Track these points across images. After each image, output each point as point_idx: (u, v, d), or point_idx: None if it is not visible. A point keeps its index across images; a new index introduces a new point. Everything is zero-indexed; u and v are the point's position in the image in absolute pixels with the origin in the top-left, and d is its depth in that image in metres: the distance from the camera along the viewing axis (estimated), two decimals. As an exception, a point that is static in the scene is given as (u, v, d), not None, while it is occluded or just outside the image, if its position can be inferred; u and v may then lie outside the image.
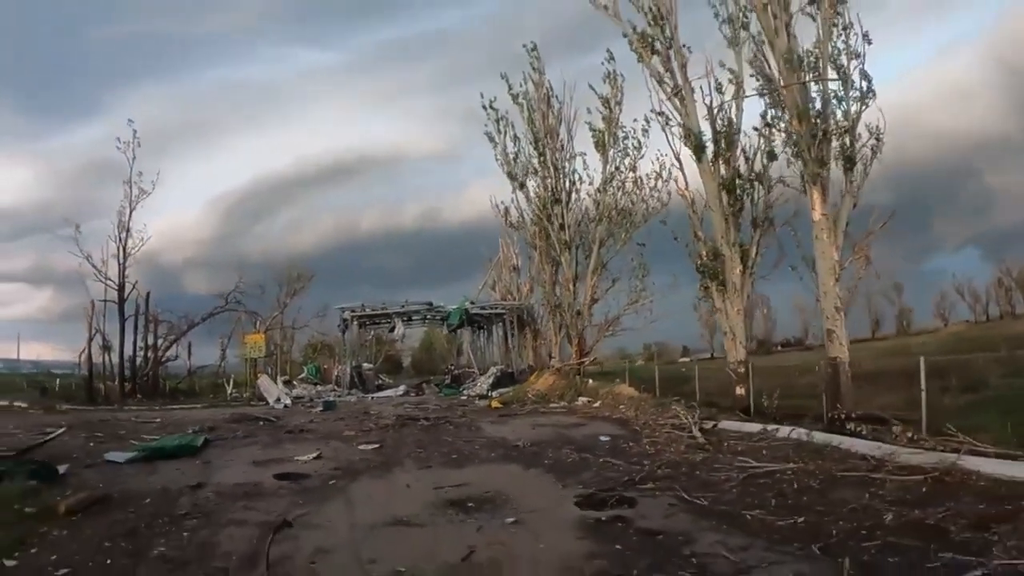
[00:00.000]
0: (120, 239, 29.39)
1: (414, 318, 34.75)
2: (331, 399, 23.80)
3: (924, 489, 6.68)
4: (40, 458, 9.48)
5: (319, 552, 5.55)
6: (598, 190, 25.41)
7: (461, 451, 11.17)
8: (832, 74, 13.58)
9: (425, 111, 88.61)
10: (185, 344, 34.04)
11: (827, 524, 5.78)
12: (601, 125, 24.84)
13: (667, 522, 6.21)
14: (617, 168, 24.94)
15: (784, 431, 10.52)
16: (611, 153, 24.92)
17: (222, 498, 7.58)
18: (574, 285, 25.25)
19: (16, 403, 21.37)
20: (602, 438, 12.04)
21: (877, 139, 13.10)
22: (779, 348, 66.69)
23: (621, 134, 24.26)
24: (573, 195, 26.60)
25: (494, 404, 20.83)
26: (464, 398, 25.11)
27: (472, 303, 32.83)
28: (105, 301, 28.99)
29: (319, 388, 29.10)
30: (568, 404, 19.39)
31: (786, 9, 13.37)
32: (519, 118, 27.28)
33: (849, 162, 13.12)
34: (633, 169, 24.51)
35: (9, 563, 5.35)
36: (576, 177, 26.44)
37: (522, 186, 26.72)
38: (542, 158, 26.86)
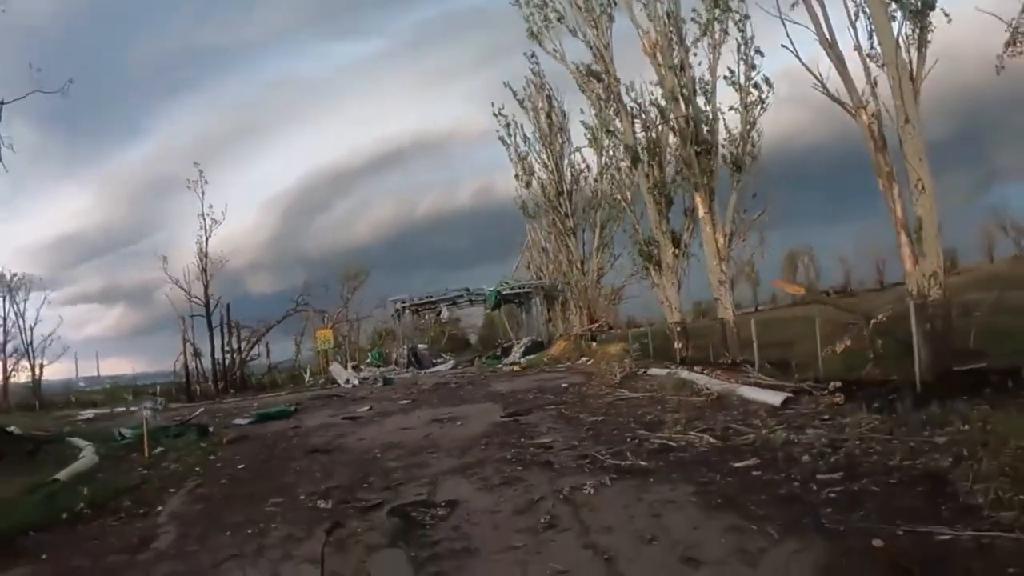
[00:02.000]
0: (201, 263, 36.66)
1: (458, 302, 41.32)
2: (390, 377, 30.46)
3: (699, 405, 12.25)
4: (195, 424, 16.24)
5: (359, 439, 11.96)
6: (595, 179, 31.21)
7: (462, 399, 17.57)
8: (729, 89, 18.94)
9: (470, 88, 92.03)
10: (264, 344, 41.37)
11: (614, 419, 11.78)
12: (593, 122, 30.23)
13: (535, 420, 12.41)
14: (611, 158, 30.34)
15: (677, 372, 16.30)
16: (606, 143, 30.28)
17: (310, 430, 14.14)
18: (582, 264, 31.25)
19: (132, 407, 28.37)
20: (563, 384, 18.21)
21: (753, 146, 18.53)
22: (829, 294, 70.03)
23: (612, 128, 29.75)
24: (578, 183, 32.51)
25: (516, 369, 27.17)
26: (500, 366, 31.39)
27: (506, 283, 39.19)
28: (192, 316, 36.35)
29: (382, 369, 35.82)
30: (571, 364, 25.51)
31: (670, 54, 18.90)
32: (527, 120, 33.30)
33: (736, 166, 18.68)
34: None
35: (212, 459, 11.83)
36: (576, 170, 32.32)
37: (528, 184, 32.77)
38: (549, 153, 32.79)
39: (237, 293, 38.49)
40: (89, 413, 27.07)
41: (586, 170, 32.17)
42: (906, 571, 4.33)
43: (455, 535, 5.92)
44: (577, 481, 7.23)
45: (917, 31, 12.07)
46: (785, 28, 16.17)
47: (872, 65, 12.48)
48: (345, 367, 35.14)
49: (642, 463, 7.86)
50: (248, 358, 40.06)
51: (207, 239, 36.67)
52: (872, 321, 11.77)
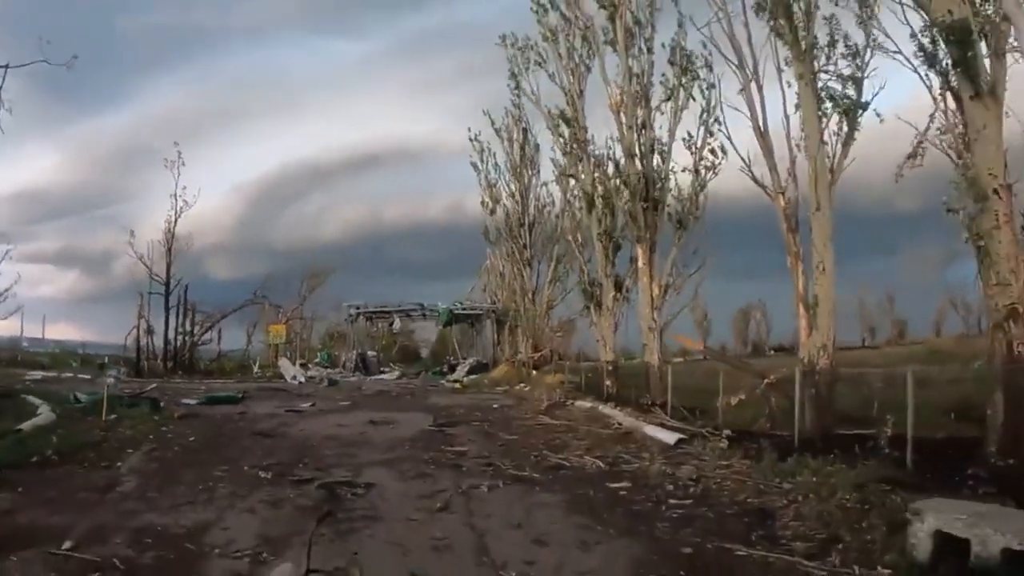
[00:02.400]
0: (167, 243, 37.54)
1: (412, 315, 42.81)
2: (336, 379, 31.74)
3: (605, 437, 13.80)
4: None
5: (300, 429, 13.41)
6: (557, 216, 33.00)
7: (400, 407, 19.08)
8: (684, 152, 20.74)
9: (452, 102, 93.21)
10: (216, 330, 42.29)
11: (527, 439, 13.37)
12: (562, 161, 32.01)
13: (459, 432, 13.96)
14: (574, 197, 32.05)
15: (598, 406, 17.89)
16: (570, 184, 31.99)
17: (256, 416, 15.55)
18: (534, 294, 32.98)
19: (82, 375, 29.17)
20: (495, 405, 19.81)
21: (697, 207, 20.33)
22: (771, 352, 72.44)
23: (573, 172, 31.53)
24: (541, 216, 34.28)
25: (458, 386, 28.67)
26: (443, 382, 32.85)
27: (459, 304, 40.83)
28: (151, 293, 37.20)
29: (329, 371, 37.04)
30: (509, 388, 27.08)
31: (634, 112, 20.75)
32: (500, 148, 35.09)
33: (680, 224, 20.49)
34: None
35: (164, 430, 13.18)
36: (541, 203, 34.11)
37: (492, 212, 34.53)
38: (517, 184, 34.57)
39: (195, 274, 39.17)
40: (37, 374, 27.88)
41: (551, 204, 34.02)
42: (694, 566, 5.93)
43: (368, 507, 7.43)
44: (477, 482, 8.79)
45: (845, 127, 14.01)
46: (722, 112, 18.24)
47: (800, 155, 14.38)
48: (294, 364, 36.32)
49: (535, 475, 9.45)
50: (200, 342, 40.97)
51: (176, 220, 37.56)
52: (765, 381, 13.53)
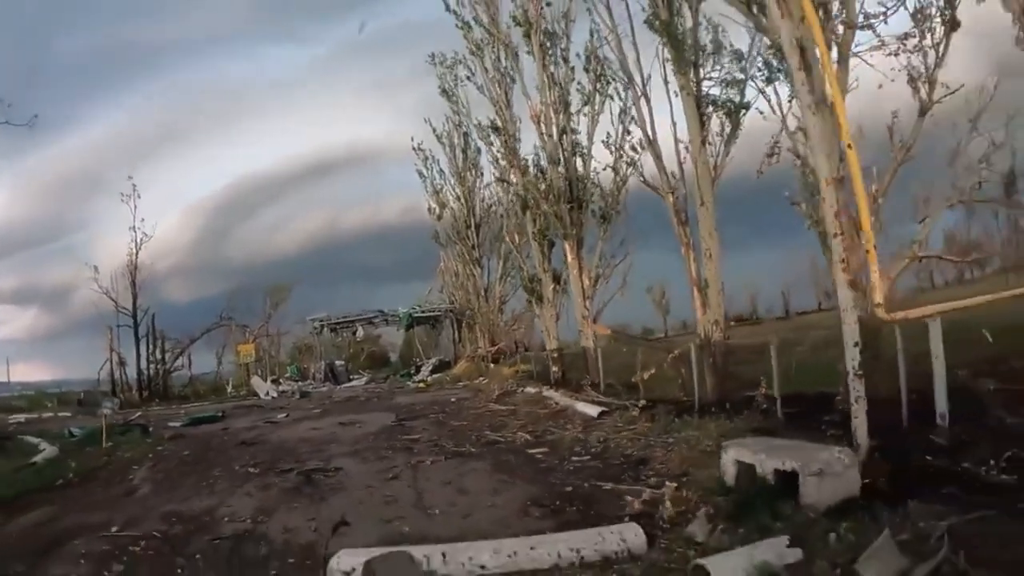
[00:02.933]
0: (131, 275, 39.30)
1: (374, 321, 45.03)
2: (307, 390, 33.88)
3: (542, 415, 16.25)
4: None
5: (278, 436, 15.64)
6: (502, 215, 35.24)
7: (367, 409, 21.32)
8: (605, 151, 23.00)
9: (403, 103, 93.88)
10: (186, 355, 44.11)
11: (473, 424, 15.75)
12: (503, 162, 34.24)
13: (416, 424, 16.28)
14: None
15: (542, 391, 20.27)
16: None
17: (237, 430, 17.71)
18: (486, 292, 35.32)
19: (62, 413, 30.76)
20: (452, 399, 22.13)
21: (618, 202, 22.68)
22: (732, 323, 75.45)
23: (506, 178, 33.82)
24: (488, 216, 36.49)
25: (422, 386, 30.97)
26: (409, 383, 35.13)
27: (417, 307, 43.14)
28: (119, 325, 38.99)
29: (300, 383, 39.14)
30: (469, 382, 29.45)
31: (556, 120, 23.09)
32: (443, 155, 37.31)
33: (604, 219, 22.85)
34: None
35: (160, 449, 15.32)
36: (486, 204, 36.33)
37: (440, 217, 36.81)
38: (462, 188, 36.79)
39: (154, 300, 40.61)
40: (20, 417, 29.51)
41: (496, 203, 36.24)
42: (569, 498, 8.28)
43: (336, 483, 9.72)
44: (423, 458, 11.12)
45: (728, 127, 16.41)
46: (623, 124, 20.62)
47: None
48: (265, 380, 38.34)
49: (472, 450, 11.81)
50: (172, 369, 42.81)
51: (137, 252, 39.28)
52: (670, 356, 15.99)
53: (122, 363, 39.91)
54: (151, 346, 40.75)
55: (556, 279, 24.75)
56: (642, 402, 14.35)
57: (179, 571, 6.31)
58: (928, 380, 7.94)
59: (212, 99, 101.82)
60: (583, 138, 23.06)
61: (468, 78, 29.00)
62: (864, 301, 7.75)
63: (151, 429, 18.76)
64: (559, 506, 7.74)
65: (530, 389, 21.13)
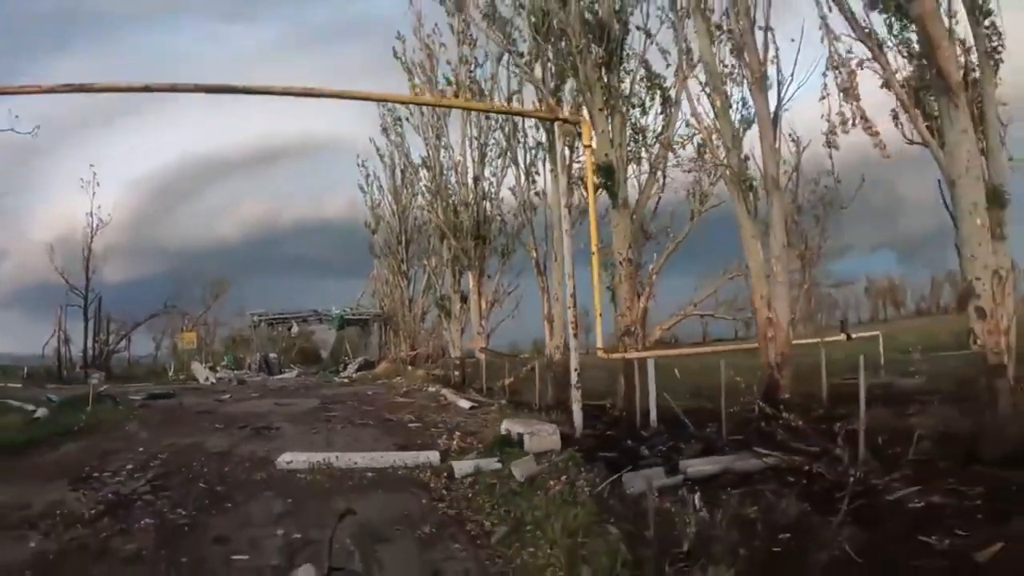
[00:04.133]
0: (85, 259, 43.88)
1: (309, 320, 50.35)
2: (244, 378, 39.03)
3: (432, 407, 21.90)
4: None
5: (227, 410, 21.08)
6: (429, 236, 40.84)
7: (298, 395, 26.76)
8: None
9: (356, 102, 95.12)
10: (128, 338, 48.80)
11: (379, 410, 21.40)
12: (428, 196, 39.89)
13: (337, 408, 21.83)
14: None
15: (440, 390, 25.90)
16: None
17: (192, 404, 23.10)
18: (410, 302, 40.93)
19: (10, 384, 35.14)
20: (369, 392, 27.68)
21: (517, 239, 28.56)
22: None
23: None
24: (419, 233, 41.98)
25: (347, 381, 36.44)
26: (335, 379, 40.47)
27: (349, 310, 48.60)
28: (68, 306, 43.54)
29: (236, 372, 44.15)
30: (388, 380, 34.90)
31: (471, 170, 28.95)
32: (383, 173, 42.70)
33: (503, 255, 28.68)
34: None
35: (136, 414, 20.57)
36: (417, 222, 41.81)
37: (375, 231, 42.34)
38: (396, 206, 42.21)
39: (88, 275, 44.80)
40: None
41: (426, 224, 41.74)
42: (415, 443, 13.97)
43: (277, 434, 15.32)
44: (335, 425, 16.78)
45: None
46: (528, 177, 26.33)
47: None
48: (203, 367, 43.31)
49: (370, 422, 17.48)
50: (115, 350, 47.53)
51: (92, 237, 43.76)
52: (524, 368, 21.86)
53: (67, 341, 44.39)
54: (96, 326, 45.35)
55: (463, 299, 30.51)
56: (503, 400, 20.14)
57: (193, 465, 11.83)
58: (667, 399, 13.72)
59: (159, 74, 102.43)
60: (493, 184, 28.87)
61: (407, 119, 34.60)
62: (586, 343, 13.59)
63: (118, 400, 23.89)
64: (407, 446, 13.44)
65: (431, 388, 26.78)
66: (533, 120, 22.91)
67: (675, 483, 8.25)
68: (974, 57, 9.67)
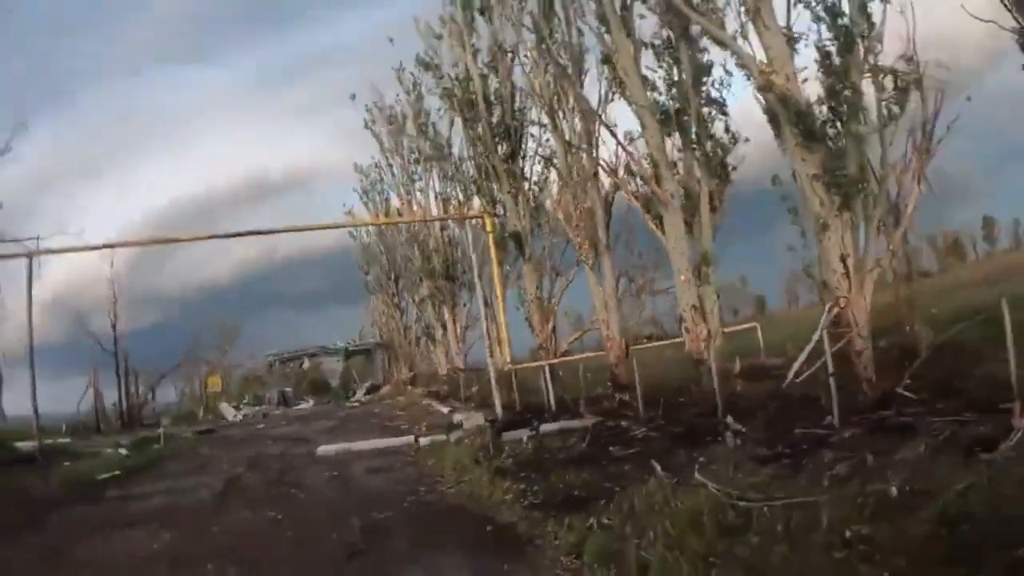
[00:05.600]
0: (112, 321, 52.10)
1: (318, 354, 58.87)
2: (267, 412, 47.41)
3: (420, 414, 30.12)
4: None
5: (269, 434, 29.42)
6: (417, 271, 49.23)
7: (317, 419, 35.07)
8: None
9: (338, 123, 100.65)
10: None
11: (380, 421, 29.68)
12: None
13: (350, 424, 30.14)
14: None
15: (432, 403, 34.11)
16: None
17: (236, 435, 31.47)
18: (405, 330, 49.26)
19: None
20: (375, 411, 35.97)
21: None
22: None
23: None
24: (407, 268, 50.32)
25: (356, 404, 44.80)
26: (347, 404, 48.80)
27: (352, 342, 57.12)
28: (100, 366, 51.72)
29: (257, 408, 52.54)
30: (392, 400, 43.21)
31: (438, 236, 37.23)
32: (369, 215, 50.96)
33: (470, 289, 36.86)
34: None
35: (196, 445, 28.88)
36: (406, 259, 50.13)
37: (367, 272, 50.79)
38: (384, 247, 50.53)
39: (82, 335, 50.15)
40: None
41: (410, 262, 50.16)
42: (399, 433, 22.17)
43: (311, 443, 23.55)
44: (340, 431, 25.05)
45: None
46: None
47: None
48: (229, 407, 51.73)
49: (375, 428, 25.74)
50: (144, 401, 55.94)
51: (115, 305, 51.92)
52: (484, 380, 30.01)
53: (98, 395, 52.54)
54: (125, 380, 53.60)
55: (444, 327, 38.80)
56: (472, 404, 28.31)
57: (263, 461, 20.05)
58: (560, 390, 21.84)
59: (139, 123, 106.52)
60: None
61: (381, 179, 43.02)
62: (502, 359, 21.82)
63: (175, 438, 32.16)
64: (394, 433, 21.62)
65: (424, 402, 35.01)
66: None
67: (530, 435, 16.39)
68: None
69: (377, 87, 39.52)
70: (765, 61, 12.64)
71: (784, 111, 12.19)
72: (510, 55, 24.45)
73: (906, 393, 10.87)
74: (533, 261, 24.69)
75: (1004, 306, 8.89)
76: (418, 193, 38.98)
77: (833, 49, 12.55)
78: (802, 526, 6.49)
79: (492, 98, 24.74)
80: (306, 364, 59.39)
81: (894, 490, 6.66)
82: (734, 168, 17.09)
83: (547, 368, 21.57)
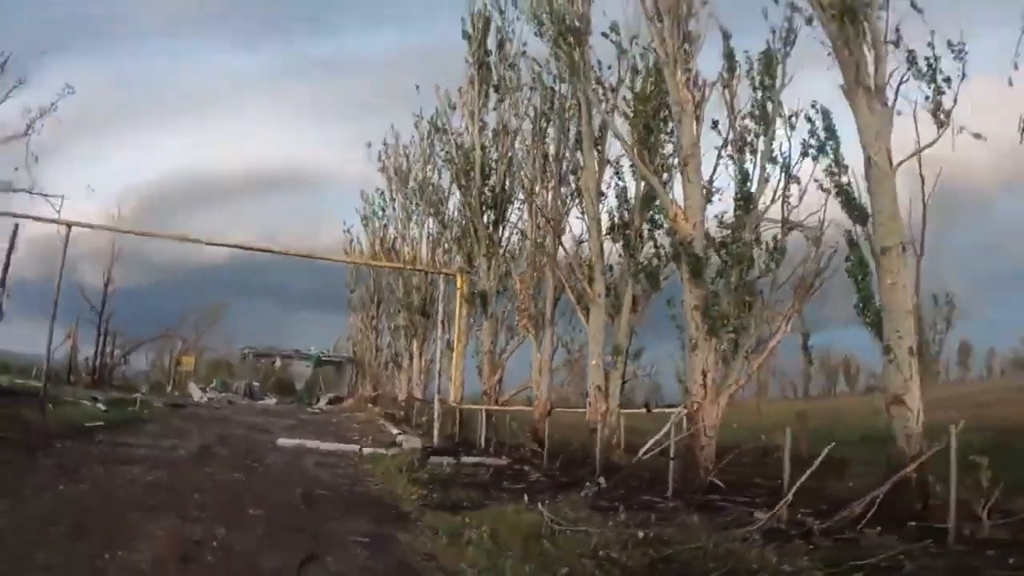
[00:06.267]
0: (105, 284, 55.93)
1: (291, 356, 62.88)
2: (232, 399, 51.31)
3: (371, 430, 34.25)
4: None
5: (233, 417, 33.44)
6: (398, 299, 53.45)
7: (279, 416, 39.07)
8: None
9: (355, 131, 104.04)
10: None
11: (335, 429, 33.72)
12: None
13: (305, 428, 34.16)
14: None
15: (386, 423, 38.09)
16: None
17: (203, 413, 35.50)
18: (377, 351, 53.34)
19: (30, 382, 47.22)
20: (333, 420, 40.02)
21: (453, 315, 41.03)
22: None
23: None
24: (394, 294, 54.58)
25: (317, 411, 48.77)
26: (309, 408, 52.65)
27: (325, 352, 61.13)
28: (80, 319, 55.32)
29: (222, 394, 56.39)
30: (351, 413, 47.14)
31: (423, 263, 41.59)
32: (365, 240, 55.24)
33: (443, 324, 41.08)
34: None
35: (171, 413, 32.85)
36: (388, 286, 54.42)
37: (352, 291, 55.03)
38: (375, 274, 54.76)
39: (68, 282, 52.71)
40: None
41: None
42: (348, 441, 26.22)
43: (271, 430, 27.55)
44: (299, 431, 29.07)
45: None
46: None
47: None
48: (197, 387, 55.63)
49: (330, 434, 29.79)
50: (117, 363, 59.73)
51: (112, 263, 55.75)
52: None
53: (74, 350, 56.03)
54: (104, 340, 57.23)
55: (411, 357, 42.89)
56: (420, 432, 32.35)
57: (231, 440, 24.09)
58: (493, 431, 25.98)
59: (156, 87, 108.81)
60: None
61: (383, 210, 47.40)
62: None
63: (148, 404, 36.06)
64: (345, 441, 25.68)
65: (380, 421, 39.06)
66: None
67: (451, 463, 20.48)
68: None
69: (395, 127, 44.20)
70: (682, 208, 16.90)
71: (683, 253, 16.47)
72: (512, 135, 28.81)
73: (716, 482, 15.04)
74: (493, 319, 28.94)
75: (788, 435, 13.19)
76: (414, 227, 43.27)
77: (731, 209, 16.89)
78: (581, 543, 10.54)
79: (488, 169, 29.12)
80: (277, 363, 63.47)
81: (640, 534, 10.74)
82: (665, 279, 21.19)
83: (483, 412, 25.64)
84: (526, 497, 13.97)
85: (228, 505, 12.23)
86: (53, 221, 26.82)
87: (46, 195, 29.90)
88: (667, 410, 19.21)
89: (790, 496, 11.90)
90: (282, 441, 23.64)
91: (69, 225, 25.91)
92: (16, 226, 27.59)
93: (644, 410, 25.54)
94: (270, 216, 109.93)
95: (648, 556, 9.66)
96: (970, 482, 10.65)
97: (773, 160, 16.63)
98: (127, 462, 16.37)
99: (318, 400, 58.97)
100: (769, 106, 16.74)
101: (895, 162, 13.05)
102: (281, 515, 11.85)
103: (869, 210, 13.39)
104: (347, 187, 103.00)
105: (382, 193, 47.23)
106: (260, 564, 8.70)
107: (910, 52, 13.24)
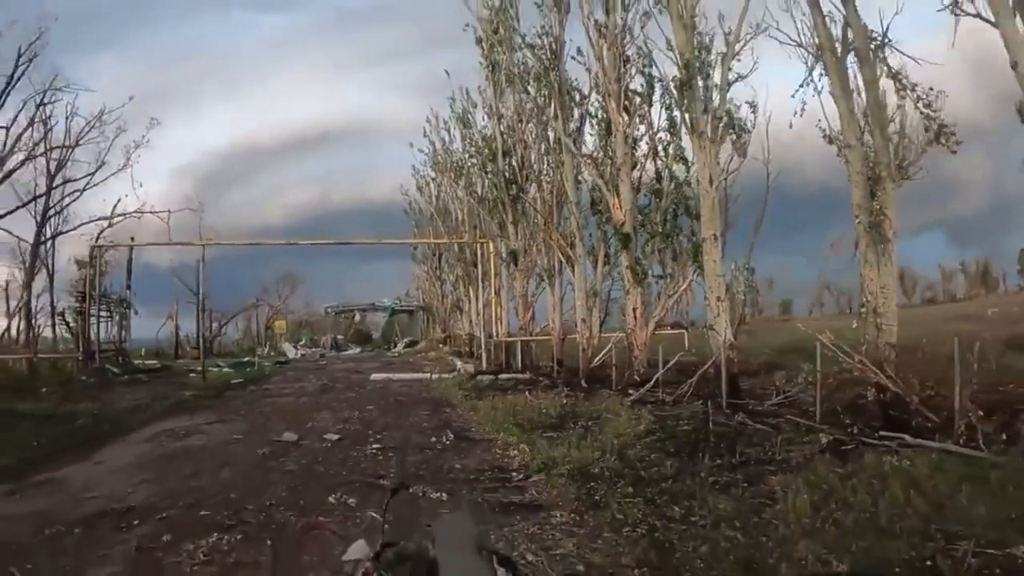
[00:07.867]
0: (200, 270, 68.55)
1: (368, 310, 75.33)
2: (324, 353, 63.86)
3: (443, 364, 45.93)
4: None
5: (333, 367, 45.68)
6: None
7: (368, 361, 51.28)
8: None
9: (404, 75, 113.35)
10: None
11: (412, 366, 45.70)
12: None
13: (392, 364, 46.20)
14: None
15: (454, 359, 49.78)
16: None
17: (306, 366, 48.02)
18: (443, 298, 65.06)
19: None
20: (411, 360, 51.99)
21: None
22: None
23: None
24: (451, 250, 66.01)
25: (396, 354, 61.04)
26: (388, 354, 64.83)
27: (399, 301, 73.38)
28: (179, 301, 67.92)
29: (313, 349, 68.98)
30: (425, 354, 58.98)
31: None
32: (423, 200, 66.49)
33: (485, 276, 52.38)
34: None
35: (282, 371, 45.09)
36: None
37: (415, 248, 66.61)
38: (433, 229, 66.10)
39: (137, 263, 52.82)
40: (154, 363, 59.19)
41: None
42: (421, 370, 37.92)
43: (366, 369, 39.48)
44: (385, 369, 40.93)
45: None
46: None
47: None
48: (290, 346, 68.33)
49: (400, 368, 41.66)
50: (216, 335, 72.81)
51: (204, 256, 68.26)
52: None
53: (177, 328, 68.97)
54: (201, 315, 69.95)
55: (469, 301, 54.30)
56: (478, 360, 43.90)
57: (338, 380, 36.01)
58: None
59: (199, 62, 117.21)
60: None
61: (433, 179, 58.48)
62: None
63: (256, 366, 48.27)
64: (419, 372, 37.46)
65: (449, 357, 50.68)
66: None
67: (492, 379, 31.92)
68: None
69: (434, 108, 54.72)
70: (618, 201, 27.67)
71: (618, 232, 27.30)
72: (524, 123, 39.41)
73: (637, 378, 26.19)
74: (524, 271, 40.03)
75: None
76: (460, 191, 54.13)
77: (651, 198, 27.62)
78: (536, 408, 21.78)
79: (507, 150, 39.89)
80: (356, 317, 76.07)
81: (564, 401, 22.06)
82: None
83: (519, 343, 37.06)
84: (527, 393, 25.15)
85: (353, 406, 23.89)
86: (191, 244, 39.16)
87: (156, 212, 42.33)
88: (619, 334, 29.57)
89: (659, 378, 23.06)
90: (374, 376, 35.48)
91: (203, 245, 38.18)
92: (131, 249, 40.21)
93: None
94: (327, 171, 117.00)
95: (563, 410, 20.76)
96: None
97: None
98: (281, 396, 28.23)
99: (396, 345, 71.12)
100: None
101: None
102: (383, 407, 23.53)
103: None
104: (396, 133, 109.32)
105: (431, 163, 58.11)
106: (379, 422, 20.30)
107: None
